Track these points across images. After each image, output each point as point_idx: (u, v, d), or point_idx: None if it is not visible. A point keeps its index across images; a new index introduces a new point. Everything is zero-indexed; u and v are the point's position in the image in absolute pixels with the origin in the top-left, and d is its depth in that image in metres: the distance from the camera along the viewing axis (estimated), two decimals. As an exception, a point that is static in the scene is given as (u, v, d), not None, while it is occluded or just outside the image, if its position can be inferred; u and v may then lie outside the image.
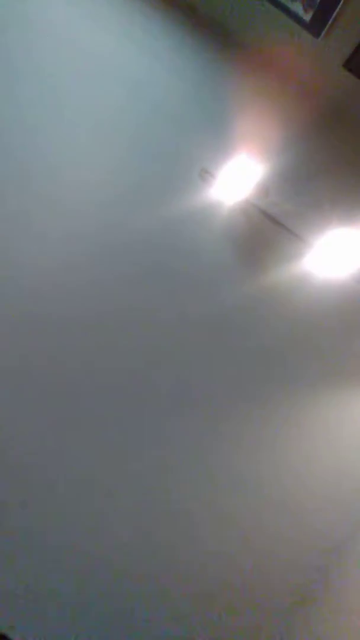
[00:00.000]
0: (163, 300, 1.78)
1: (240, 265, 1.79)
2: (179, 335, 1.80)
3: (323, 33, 1.47)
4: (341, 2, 1.38)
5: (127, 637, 1.83)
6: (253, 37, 1.64)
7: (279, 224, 1.71)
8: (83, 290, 1.72)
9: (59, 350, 1.72)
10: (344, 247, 1.67)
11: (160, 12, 1.64)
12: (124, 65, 1.64)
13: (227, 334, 1.82)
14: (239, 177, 1.66)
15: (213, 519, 1.86)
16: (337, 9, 1.40)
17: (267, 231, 1.75)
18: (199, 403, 1.82)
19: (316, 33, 1.49)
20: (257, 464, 1.88)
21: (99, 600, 1.80)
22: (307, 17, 1.45)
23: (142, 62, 1.65)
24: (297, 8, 1.45)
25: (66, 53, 1.62)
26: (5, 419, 1.69)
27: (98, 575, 1.79)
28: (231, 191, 1.67)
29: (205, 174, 1.67)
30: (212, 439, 1.84)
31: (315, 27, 1.47)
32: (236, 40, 1.67)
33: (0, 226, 1.66)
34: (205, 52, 1.67)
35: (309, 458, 1.91)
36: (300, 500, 1.91)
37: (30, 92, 1.63)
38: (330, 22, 1.44)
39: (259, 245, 1.78)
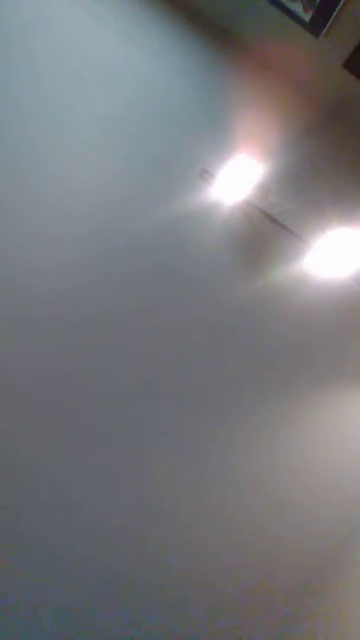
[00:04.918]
0: (163, 300, 1.77)
1: (240, 265, 1.79)
2: (179, 336, 1.79)
3: (323, 33, 1.48)
4: (341, 2, 1.38)
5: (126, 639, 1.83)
6: (253, 37, 1.65)
7: (279, 224, 1.70)
8: (83, 292, 1.72)
9: (57, 351, 1.71)
10: (344, 247, 1.67)
11: (161, 12, 1.64)
12: (124, 66, 1.64)
13: (227, 334, 1.82)
14: (239, 177, 1.66)
15: (211, 521, 1.85)
16: (337, 9, 1.40)
17: (267, 231, 1.75)
18: (197, 403, 1.82)
19: (316, 33, 1.49)
20: (256, 465, 1.88)
21: (96, 604, 1.80)
22: (307, 17, 1.46)
23: (142, 62, 1.65)
24: (297, 8, 1.45)
25: (66, 54, 1.62)
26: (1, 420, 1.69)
27: (94, 578, 1.79)
28: (231, 191, 1.67)
29: (205, 174, 1.67)
30: (211, 440, 1.84)
31: (315, 27, 1.47)
32: (236, 40, 1.67)
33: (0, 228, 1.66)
34: (205, 53, 1.67)
35: (307, 459, 1.91)
36: (299, 501, 1.91)
37: (29, 92, 1.63)
38: (330, 22, 1.44)
39: (259, 246, 1.78)
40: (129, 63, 1.64)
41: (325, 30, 1.47)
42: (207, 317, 1.80)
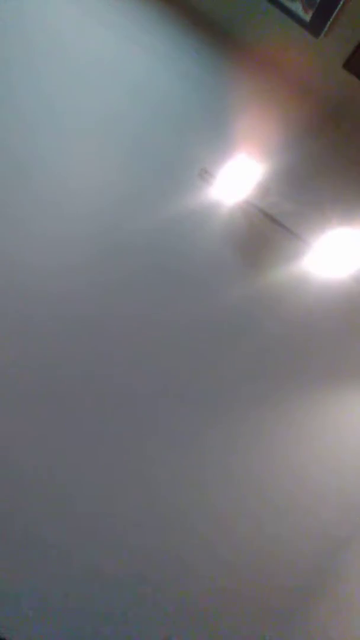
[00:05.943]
0: (163, 301, 1.77)
1: (240, 265, 1.79)
2: (179, 336, 1.79)
3: (323, 33, 1.48)
4: (341, 2, 1.38)
5: (125, 639, 1.83)
6: (253, 37, 1.64)
7: (279, 224, 1.70)
8: (83, 293, 1.72)
9: (57, 351, 1.71)
10: (344, 247, 1.67)
11: (160, 12, 1.64)
12: (123, 65, 1.64)
13: (227, 334, 1.82)
14: (239, 177, 1.66)
15: (211, 521, 1.86)
16: (337, 9, 1.40)
17: (267, 231, 1.75)
18: (197, 404, 1.82)
19: (316, 33, 1.49)
20: (256, 464, 1.88)
21: (96, 603, 1.80)
22: (307, 17, 1.46)
23: (142, 62, 1.65)
24: (297, 8, 1.45)
25: (65, 54, 1.62)
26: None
27: (95, 578, 1.79)
28: (231, 191, 1.67)
29: (205, 174, 1.67)
30: (211, 440, 1.84)
31: (315, 27, 1.47)
32: (236, 40, 1.67)
33: (0, 229, 1.66)
34: (205, 52, 1.67)
35: (307, 458, 1.91)
36: (298, 500, 1.91)
37: (28, 93, 1.63)
38: (330, 22, 1.44)
39: (259, 246, 1.78)
40: (128, 63, 1.64)
41: (325, 30, 1.46)
42: (207, 317, 1.80)
